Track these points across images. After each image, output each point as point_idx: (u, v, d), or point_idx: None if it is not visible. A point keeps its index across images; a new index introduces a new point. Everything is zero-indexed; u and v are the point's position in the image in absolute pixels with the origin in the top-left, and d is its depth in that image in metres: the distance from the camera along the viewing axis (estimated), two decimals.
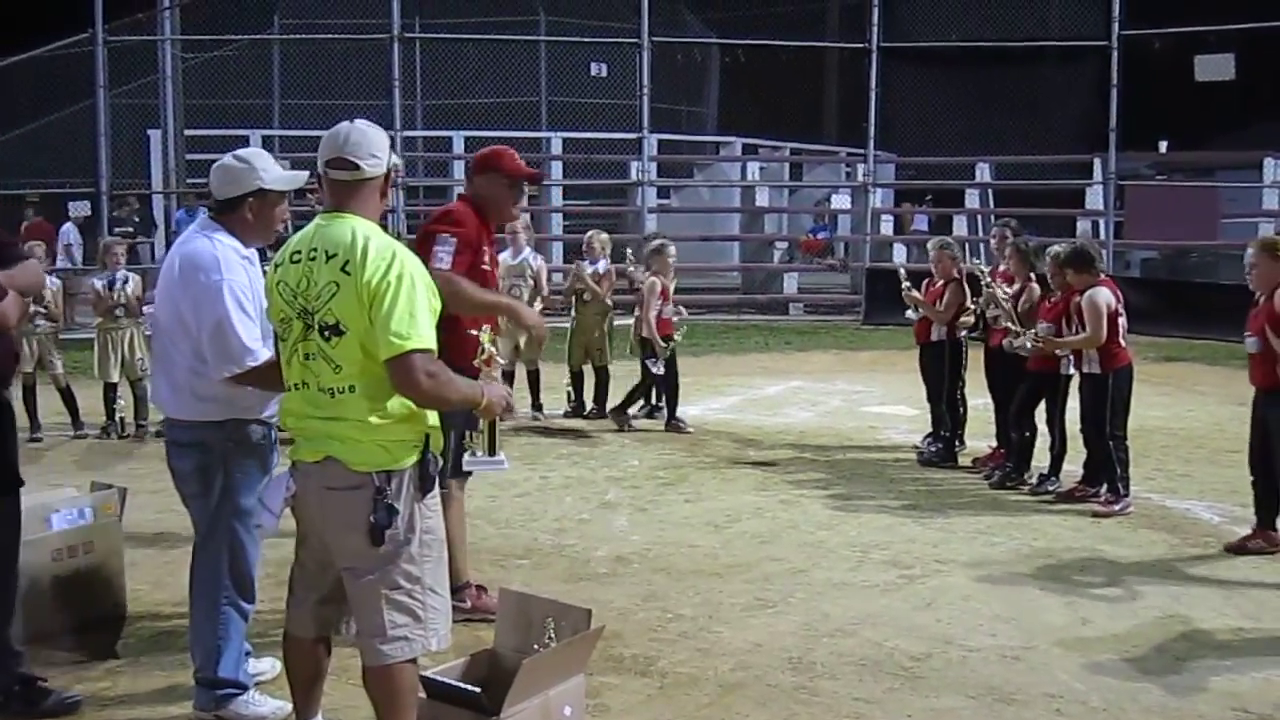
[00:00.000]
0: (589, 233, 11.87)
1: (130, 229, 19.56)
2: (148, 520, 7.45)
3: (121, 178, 20.08)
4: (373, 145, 4.02)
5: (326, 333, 3.82)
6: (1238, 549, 7.10)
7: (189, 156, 20.02)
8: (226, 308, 4.48)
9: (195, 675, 4.81)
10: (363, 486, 3.83)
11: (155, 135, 20.66)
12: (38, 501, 5.89)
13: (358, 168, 3.98)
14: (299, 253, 3.95)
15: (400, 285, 3.78)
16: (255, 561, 4.88)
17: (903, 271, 10.03)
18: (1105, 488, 8.15)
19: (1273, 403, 6.98)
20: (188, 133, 20.18)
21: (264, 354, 4.49)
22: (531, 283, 11.22)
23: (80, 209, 19.57)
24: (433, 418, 3.98)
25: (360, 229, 3.89)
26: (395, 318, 3.74)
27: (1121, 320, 8.04)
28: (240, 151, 4.83)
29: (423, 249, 5.42)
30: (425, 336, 3.80)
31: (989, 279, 9.08)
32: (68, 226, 19.72)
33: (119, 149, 19.76)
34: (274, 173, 4.74)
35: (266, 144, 23.16)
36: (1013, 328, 8.59)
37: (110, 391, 10.79)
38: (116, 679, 5.23)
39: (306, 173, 4.91)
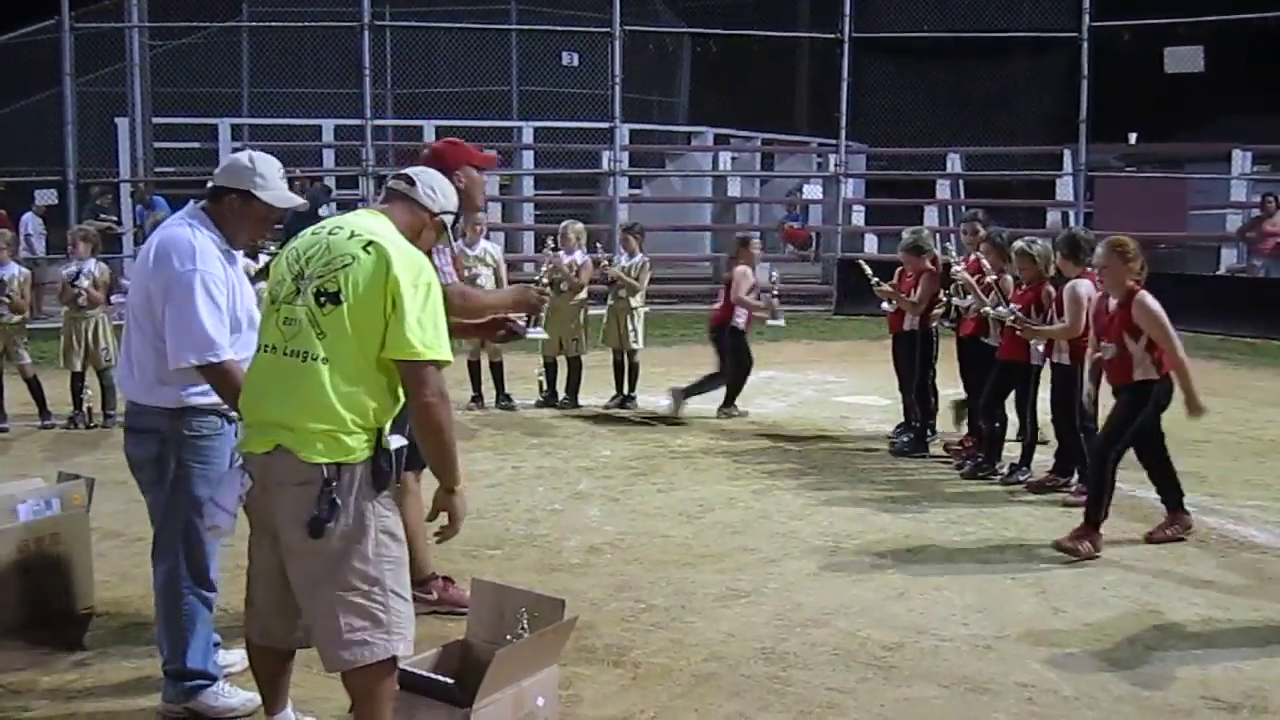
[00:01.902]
0: (564, 223, 11.81)
1: (116, 218, 19.36)
2: (115, 511, 7.37)
3: (89, 166, 19.87)
4: (437, 183, 4.32)
5: (322, 298, 3.82)
6: (1152, 539, 7.13)
7: (157, 144, 19.84)
8: (195, 295, 4.42)
9: (163, 667, 4.77)
10: (312, 481, 3.76)
11: (123, 123, 20.42)
12: (4, 492, 5.86)
13: (413, 184, 4.23)
14: (322, 228, 4.02)
15: (430, 294, 3.87)
16: (213, 553, 4.79)
17: (868, 269, 9.98)
18: (1076, 478, 8.18)
19: (1136, 392, 6.95)
20: (156, 120, 19.96)
21: (227, 354, 4.43)
22: (492, 271, 11.23)
23: (46, 198, 19.35)
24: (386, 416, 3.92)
25: (392, 229, 4.03)
26: (424, 322, 3.82)
27: None
28: (256, 154, 4.79)
29: None
30: (446, 350, 3.89)
31: (960, 267, 9.10)
32: (28, 215, 19.50)
33: (86, 137, 19.52)
34: (272, 184, 4.68)
35: (235, 132, 23.05)
36: (989, 304, 8.56)
37: (77, 381, 10.70)
38: (83, 671, 5.19)
39: (306, 202, 5.00)
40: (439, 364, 3.86)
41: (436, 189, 4.27)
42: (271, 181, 4.68)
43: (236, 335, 4.51)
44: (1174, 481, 7.21)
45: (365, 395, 3.82)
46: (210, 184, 4.71)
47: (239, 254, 4.84)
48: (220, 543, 4.72)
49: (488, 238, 11.79)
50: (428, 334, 3.82)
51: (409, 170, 4.32)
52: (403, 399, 3.93)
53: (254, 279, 6.17)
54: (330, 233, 3.96)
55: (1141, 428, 6.95)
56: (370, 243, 3.87)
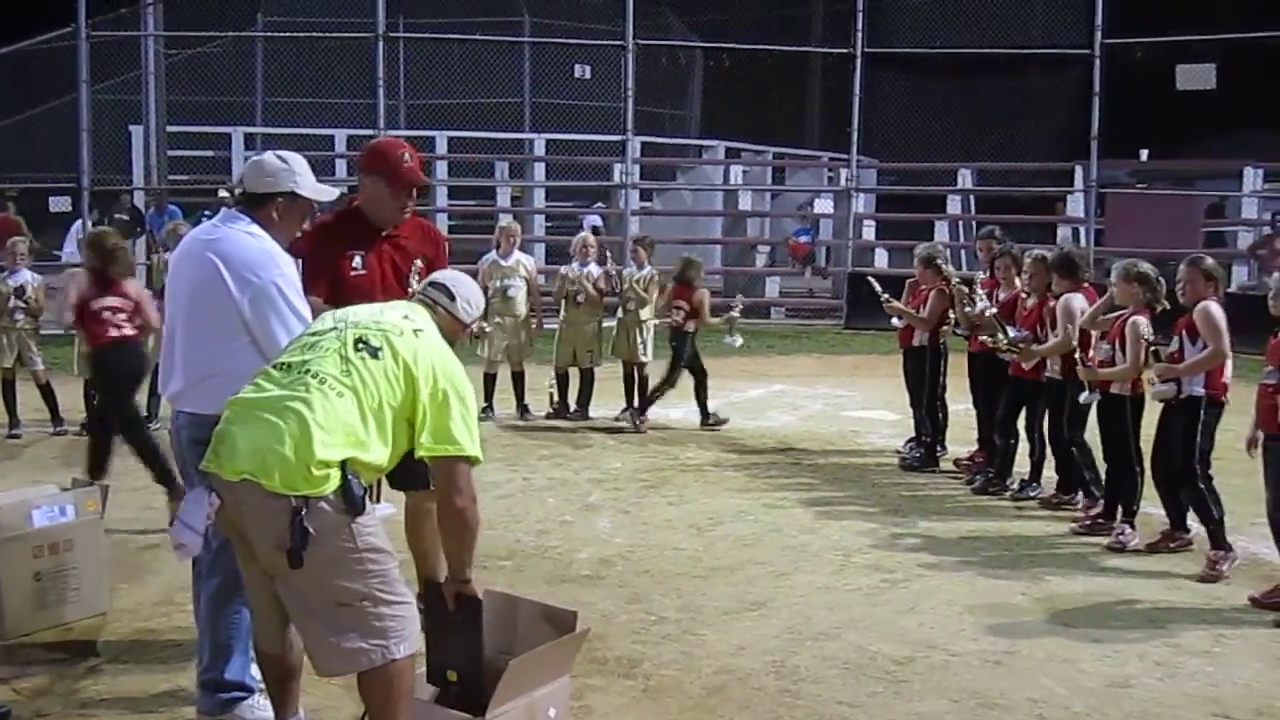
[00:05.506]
0: (581, 234, 11.86)
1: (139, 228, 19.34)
2: (129, 518, 7.42)
3: (103, 174, 19.95)
4: (474, 296, 4.43)
5: (360, 345, 3.94)
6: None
7: (171, 153, 19.90)
8: (290, 299, 4.54)
9: (200, 677, 4.71)
10: (278, 510, 3.75)
11: (137, 131, 20.49)
12: (19, 498, 5.88)
13: (454, 299, 4.34)
14: (374, 305, 4.28)
15: (469, 398, 4.05)
16: None
17: (877, 285, 9.96)
18: (1082, 494, 8.18)
19: None
20: (170, 129, 20.02)
21: None
22: (525, 282, 11.26)
23: (61, 205, 19.38)
24: (367, 458, 3.90)
25: (437, 329, 4.20)
26: (467, 421, 3.98)
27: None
28: (281, 152, 4.85)
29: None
30: (479, 446, 4.02)
31: (978, 292, 9.10)
32: (77, 225, 19.38)
33: (100, 144, 19.58)
34: (309, 181, 4.78)
35: (249, 141, 23.10)
36: (1005, 341, 8.53)
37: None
38: (96, 677, 5.22)
39: (339, 191, 5.02)
40: (472, 461, 3.98)
41: (473, 302, 4.40)
42: (307, 176, 4.79)
43: None
44: None
45: (357, 439, 3.84)
46: (244, 191, 4.74)
47: None
48: None
49: (521, 248, 11.81)
50: (468, 432, 3.96)
51: (447, 283, 4.41)
52: (385, 466, 4.00)
53: None
54: (382, 310, 4.18)
55: None
56: (421, 331, 4.08)
